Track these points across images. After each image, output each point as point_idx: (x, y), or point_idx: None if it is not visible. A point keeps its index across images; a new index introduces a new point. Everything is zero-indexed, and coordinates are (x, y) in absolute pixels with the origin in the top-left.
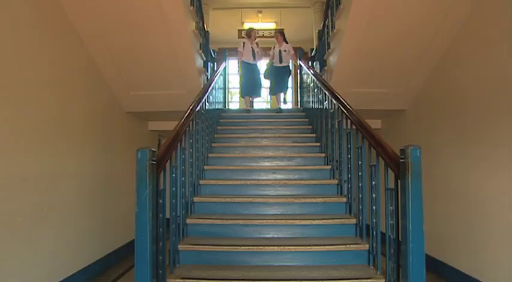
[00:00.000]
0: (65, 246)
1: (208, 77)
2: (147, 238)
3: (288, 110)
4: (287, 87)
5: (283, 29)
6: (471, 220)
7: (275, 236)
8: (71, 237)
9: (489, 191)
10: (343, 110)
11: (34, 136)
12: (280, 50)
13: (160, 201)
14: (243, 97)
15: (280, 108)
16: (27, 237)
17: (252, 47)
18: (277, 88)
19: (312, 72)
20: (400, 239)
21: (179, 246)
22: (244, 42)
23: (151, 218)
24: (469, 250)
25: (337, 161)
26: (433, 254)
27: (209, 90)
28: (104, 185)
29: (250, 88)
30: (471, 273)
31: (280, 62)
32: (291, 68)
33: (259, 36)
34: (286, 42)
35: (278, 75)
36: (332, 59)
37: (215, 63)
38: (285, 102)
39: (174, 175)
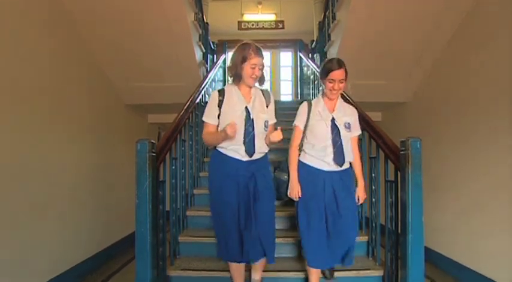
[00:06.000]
0: (65, 239)
1: (208, 69)
2: (147, 229)
3: (288, 102)
4: (355, 237)
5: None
6: (469, 211)
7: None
8: (71, 229)
9: (488, 182)
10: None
11: (33, 128)
12: (333, 120)
13: (160, 193)
14: (222, 259)
15: None
16: (27, 230)
17: (247, 109)
18: (326, 242)
19: (312, 64)
20: (399, 230)
21: (179, 238)
22: (221, 96)
23: (151, 210)
24: (466, 241)
25: None
26: (430, 245)
27: (209, 82)
28: (103, 178)
29: (237, 243)
30: (468, 264)
31: (339, 158)
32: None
33: (258, 28)
34: (347, 101)
35: (331, 203)
36: (332, 51)
37: (214, 55)
38: None
39: (173, 167)
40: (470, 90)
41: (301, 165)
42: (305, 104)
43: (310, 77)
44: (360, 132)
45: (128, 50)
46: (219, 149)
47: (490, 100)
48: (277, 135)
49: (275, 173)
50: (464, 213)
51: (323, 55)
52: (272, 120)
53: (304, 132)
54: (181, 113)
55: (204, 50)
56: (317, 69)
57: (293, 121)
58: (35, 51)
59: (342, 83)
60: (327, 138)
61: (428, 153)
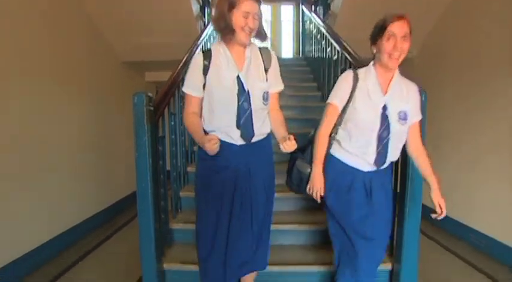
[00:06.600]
0: (73, 195)
1: (206, 23)
2: (147, 183)
3: (288, 60)
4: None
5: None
6: (467, 167)
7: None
8: (74, 188)
9: (486, 140)
10: (347, 56)
11: (32, 90)
12: (385, 108)
13: (160, 148)
14: None
15: None
16: (33, 190)
17: (239, 78)
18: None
19: (315, 16)
20: (398, 188)
21: (180, 193)
22: (207, 60)
23: (152, 165)
24: (462, 198)
25: None
26: (427, 202)
27: (207, 37)
28: (104, 137)
29: (220, 261)
30: (463, 221)
31: (380, 159)
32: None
33: None
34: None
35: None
36: (337, 2)
37: (212, 9)
38: None
39: (173, 123)
40: (480, 45)
41: (332, 162)
42: (349, 74)
43: (312, 31)
44: (421, 116)
45: (123, 4)
46: (208, 131)
47: (493, 59)
48: (291, 146)
49: (297, 162)
50: (463, 169)
51: (326, 7)
52: (276, 88)
53: (341, 116)
54: (179, 67)
55: (201, 3)
56: (320, 23)
57: (294, 81)
58: (30, 11)
59: (405, 41)
60: (372, 130)
61: (432, 111)
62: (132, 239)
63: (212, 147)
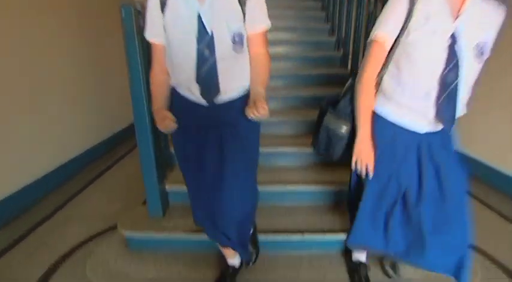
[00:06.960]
0: (69, 130)
1: None
2: (144, 105)
3: None
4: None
5: None
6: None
7: (275, 107)
8: (73, 119)
9: (490, 70)
10: None
11: (24, 13)
12: (454, 37)
13: None
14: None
15: None
16: (33, 122)
17: (199, 18)
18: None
19: None
20: None
21: None
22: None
23: (146, 86)
24: (463, 127)
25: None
26: None
27: None
28: (99, 65)
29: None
30: (464, 150)
31: (447, 112)
32: None
33: None
34: None
35: (431, 181)
36: None
37: None
38: None
39: None
40: None
41: (375, 120)
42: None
43: None
44: (489, 53)
45: None
46: (173, 86)
47: None
48: (258, 113)
49: (325, 118)
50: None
51: None
52: (257, 26)
53: (388, 56)
54: None
55: None
56: None
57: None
58: None
59: None
60: (433, 71)
61: None
62: (133, 167)
63: (167, 127)
